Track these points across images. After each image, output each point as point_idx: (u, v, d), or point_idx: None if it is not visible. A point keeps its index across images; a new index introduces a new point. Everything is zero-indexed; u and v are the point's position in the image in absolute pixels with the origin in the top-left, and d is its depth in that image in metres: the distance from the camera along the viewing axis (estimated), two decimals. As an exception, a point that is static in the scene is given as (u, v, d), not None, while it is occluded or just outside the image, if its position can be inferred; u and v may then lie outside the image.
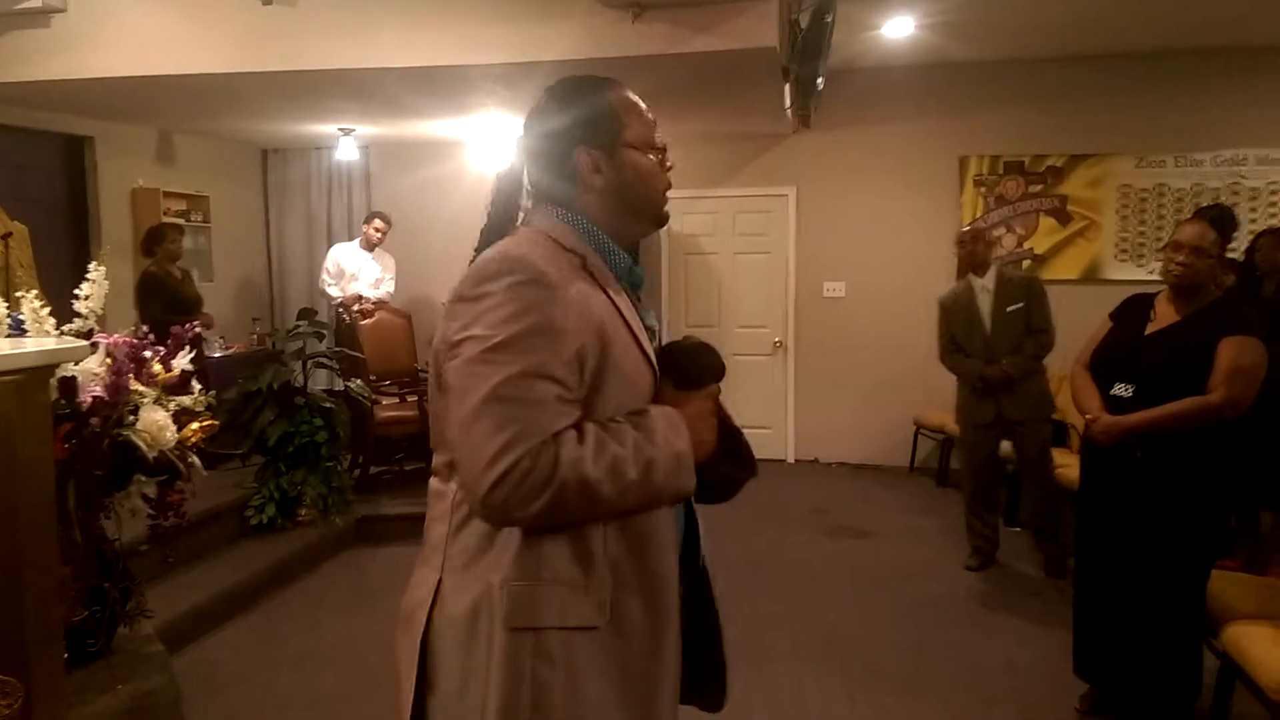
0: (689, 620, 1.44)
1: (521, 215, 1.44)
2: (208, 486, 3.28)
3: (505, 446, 1.17)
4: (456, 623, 1.30)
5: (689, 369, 1.38)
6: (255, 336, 7.41)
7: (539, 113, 1.43)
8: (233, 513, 4.94)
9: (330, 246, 7.43)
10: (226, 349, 6.91)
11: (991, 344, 4.66)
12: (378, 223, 7.01)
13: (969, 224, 6.91)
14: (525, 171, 1.44)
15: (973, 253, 4.80)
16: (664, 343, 1.46)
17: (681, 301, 7.54)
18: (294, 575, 4.76)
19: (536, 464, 1.17)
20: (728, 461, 1.41)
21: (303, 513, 5.13)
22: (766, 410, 7.33)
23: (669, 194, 1.48)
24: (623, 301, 1.37)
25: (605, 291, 1.34)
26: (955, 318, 4.83)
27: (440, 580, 1.34)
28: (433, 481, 1.40)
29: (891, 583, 4.70)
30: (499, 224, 1.42)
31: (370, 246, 7.05)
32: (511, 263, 1.26)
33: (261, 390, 5.10)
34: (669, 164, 1.47)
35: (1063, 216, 6.80)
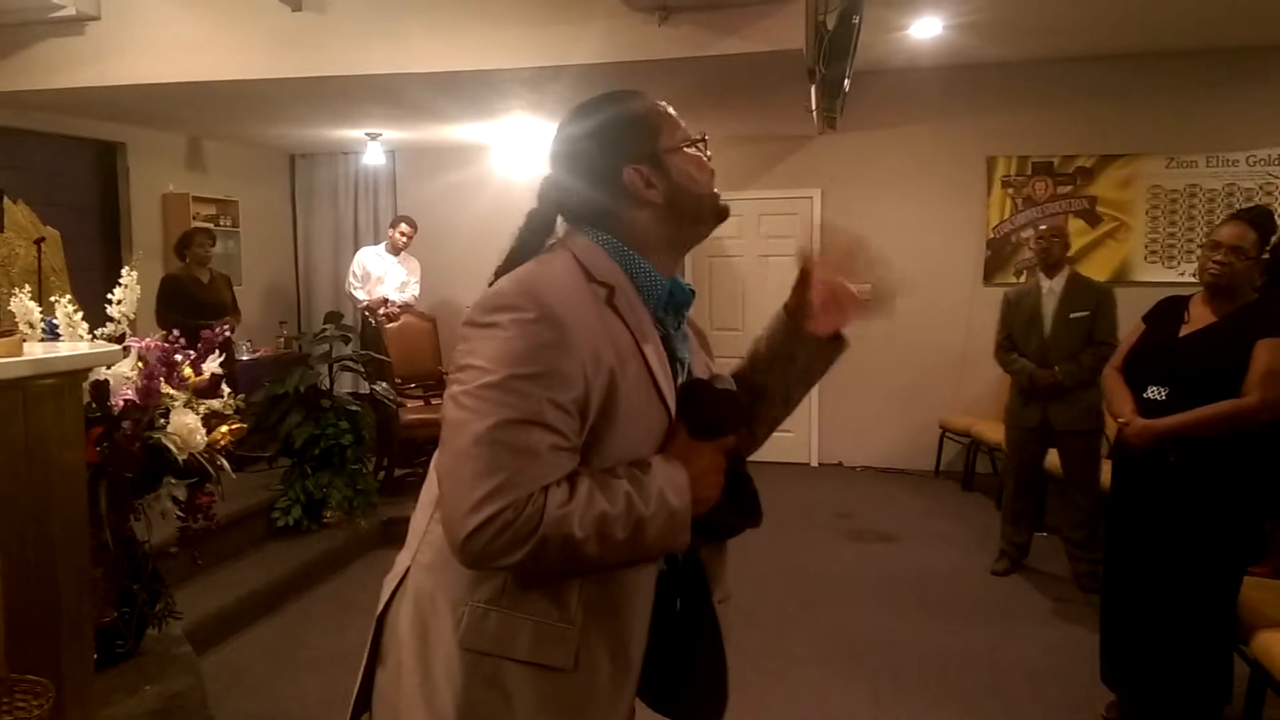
0: (692, 648, 1.39)
1: (553, 239, 1.38)
2: (235, 488, 3.31)
3: (490, 494, 1.13)
4: (410, 616, 1.31)
5: (708, 418, 1.30)
6: (282, 340, 7.49)
7: (571, 138, 1.37)
8: (259, 515, 4.98)
9: (356, 250, 7.49)
10: (254, 352, 6.98)
11: (1048, 348, 4.52)
12: (404, 226, 7.05)
13: (995, 225, 6.87)
14: (558, 199, 1.37)
15: (1046, 251, 4.61)
16: (691, 377, 1.39)
17: (706, 304, 7.52)
18: (320, 577, 4.79)
19: (520, 516, 1.13)
20: (731, 512, 1.33)
21: (328, 515, 5.16)
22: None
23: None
24: (649, 337, 1.30)
25: (629, 328, 1.27)
26: (1015, 316, 4.70)
27: (409, 570, 1.35)
28: (432, 470, 1.38)
29: (916, 587, 4.66)
30: (528, 248, 1.36)
31: (396, 250, 7.09)
32: (525, 296, 1.20)
33: (288, 393, 5.15)
34: (708, 153, 1.41)
35: (1092, 218, 6.72)
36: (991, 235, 6.90)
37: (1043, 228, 4.84)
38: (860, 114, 6.81)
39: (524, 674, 1.24)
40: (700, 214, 1.38)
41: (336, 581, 4.82)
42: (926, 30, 5.72)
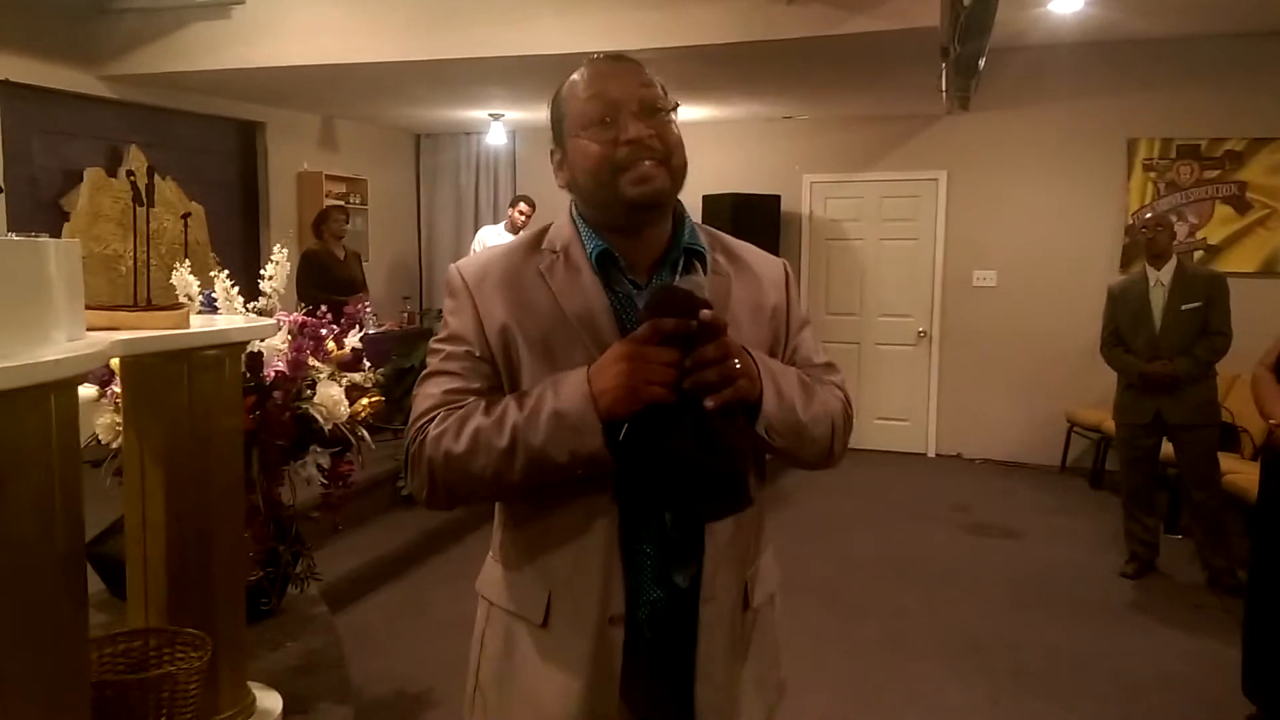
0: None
1: None
2: (364, 457, 3.45)
3: (409, 440, 1.29)
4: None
5: (652, 309, 1.18)
6: (406, 314, 7.72)
7: None
8: (385, 483, 5.15)
9: (477, 229, 7.66)
10: (380, 326, 7.22)
11: (1159, 342, 4.38)
12: (523, 206, 7.17)
13: (1135, 211, 6.55)
14: None
15: (1153, 241, 4.47)
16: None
17: (822, 289, 7.42)
18: (441, 546, 4.95)
19: (412, 446, 1.27)
20: (686, 441, 1.14)
21: (450, 486, 5.30)
22: (907, 402, 7.12)
23: (644, 167, 1.24)
24: (579, 294, 1.28)
25: (552, 290, 1.29)
26: (1123, 309, 4.55)
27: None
28: None
29: (1040, 585, 4.52)
30: None
31: (515, 229, 7.21)
32: (452, 277, 1.35)
33: (414, 367, 5.31)
34: (624, 137, 1.24)
35: (1241, 205, 6.34)
36: (1130, 221, 6.58)
37: (1148, 217, 4.71)
38: (991, 93, 6.55)
39: (510, 622, 1.35)
40: (598, 200, 1.30)
41: (455, 551, 4.96)
42: (1068, 4, 5.46)
